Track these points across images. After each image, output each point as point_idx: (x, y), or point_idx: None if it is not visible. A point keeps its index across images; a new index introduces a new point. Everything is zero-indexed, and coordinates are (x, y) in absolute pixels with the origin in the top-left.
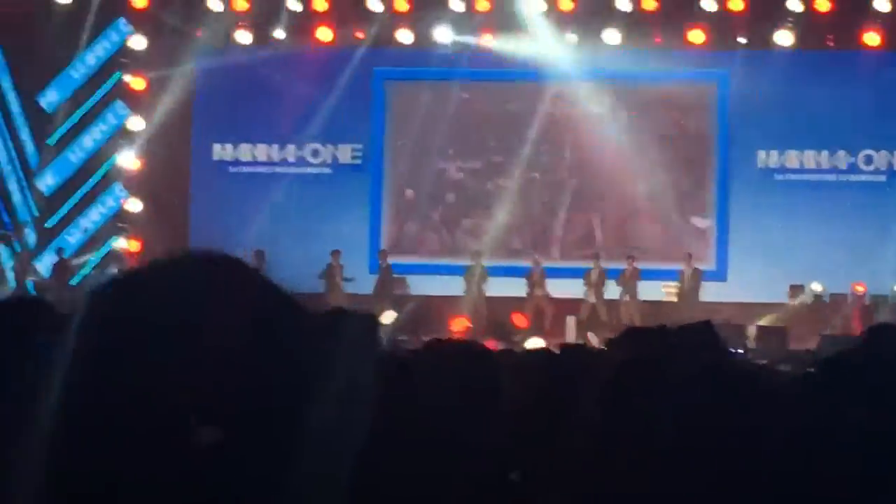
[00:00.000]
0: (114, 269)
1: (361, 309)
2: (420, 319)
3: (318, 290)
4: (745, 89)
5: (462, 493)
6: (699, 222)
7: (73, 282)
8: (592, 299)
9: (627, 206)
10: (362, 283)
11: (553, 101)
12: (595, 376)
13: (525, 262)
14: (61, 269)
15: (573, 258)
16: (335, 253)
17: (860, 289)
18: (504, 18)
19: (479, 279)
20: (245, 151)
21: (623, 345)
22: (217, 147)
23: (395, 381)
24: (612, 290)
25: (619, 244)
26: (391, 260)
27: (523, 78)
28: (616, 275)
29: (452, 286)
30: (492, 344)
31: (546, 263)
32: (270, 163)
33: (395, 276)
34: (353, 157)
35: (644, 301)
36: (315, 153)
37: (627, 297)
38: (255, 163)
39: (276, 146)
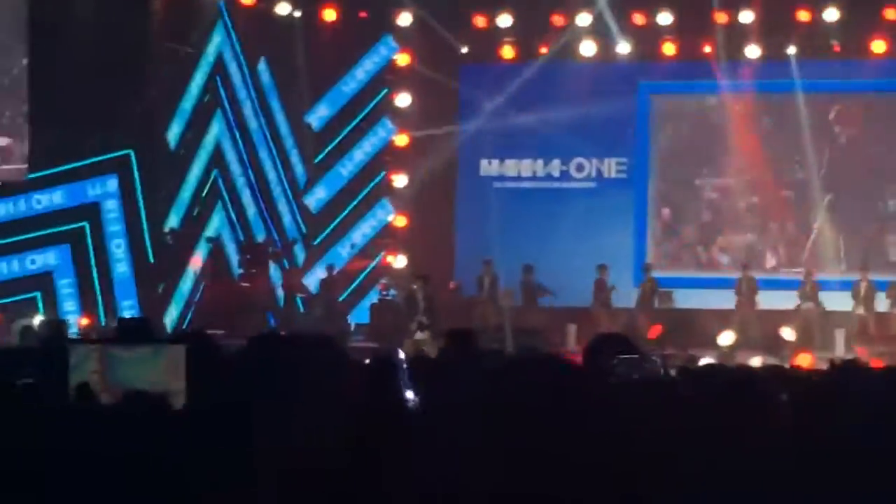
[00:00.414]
0: (382, 282)
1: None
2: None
3: (585, 304)
4: None
5: None
6: None
7: (341, 297)
8: (861, 311)
9: (878, 221)
10: (628, 296)
11: (810, 115)
12: (865, 394)
13: (791, 276)
14: (329, 284)
15: (831, 271)
16: (602, 268)
17: None
18: (769, 28)
19: (749, 291)
20: (510, 167)
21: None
22: (484, 163)
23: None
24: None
25: (876, 257)
26: (656, 273)
27: (784, 90)
28: (884, 287)
29: (718, 299)
30: (758, 358)
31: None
32: (535, 177)
33: (661, 289)
34: (619, 172)
35: None
36: (580, 167)
37: None
38: (519, 178)
39: (540, 161)
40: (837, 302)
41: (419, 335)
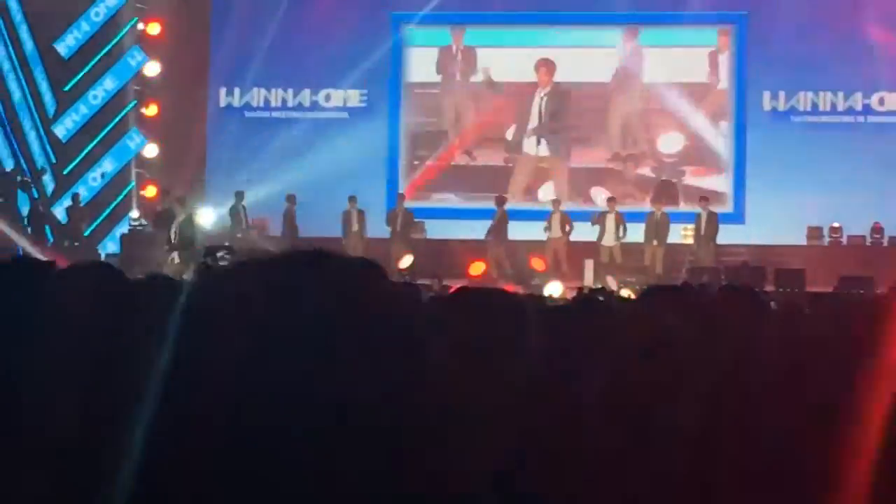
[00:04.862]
0: (133, 213)
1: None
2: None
3: (337, 234)
4: (763, 31)
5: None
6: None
7: (91, 226)
8: (611, 242)
9: (643, 149)
10: (381, 227)
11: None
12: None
13: (540, 207)
14: (76, 214)
15: (588, 202)
16: (352, 199)
17: None
18: None
19: (500, 223)
20: (259, 97)
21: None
22: (233, 91)
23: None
24: (634, 233)
25: (636, 189)
26: (409, 204)
27: (536, 21)
28: (632, 218)
29: (470, 230)
30: (510, 288)
31: (562, 207)
32: (285, 107)
33: (415, 220)
34: (361, 101)
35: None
36: (328, 98)
37: (656, 242)
38: (269, 107)
39: (290, 91)
40: (587, 233)
41: (172, 261)
